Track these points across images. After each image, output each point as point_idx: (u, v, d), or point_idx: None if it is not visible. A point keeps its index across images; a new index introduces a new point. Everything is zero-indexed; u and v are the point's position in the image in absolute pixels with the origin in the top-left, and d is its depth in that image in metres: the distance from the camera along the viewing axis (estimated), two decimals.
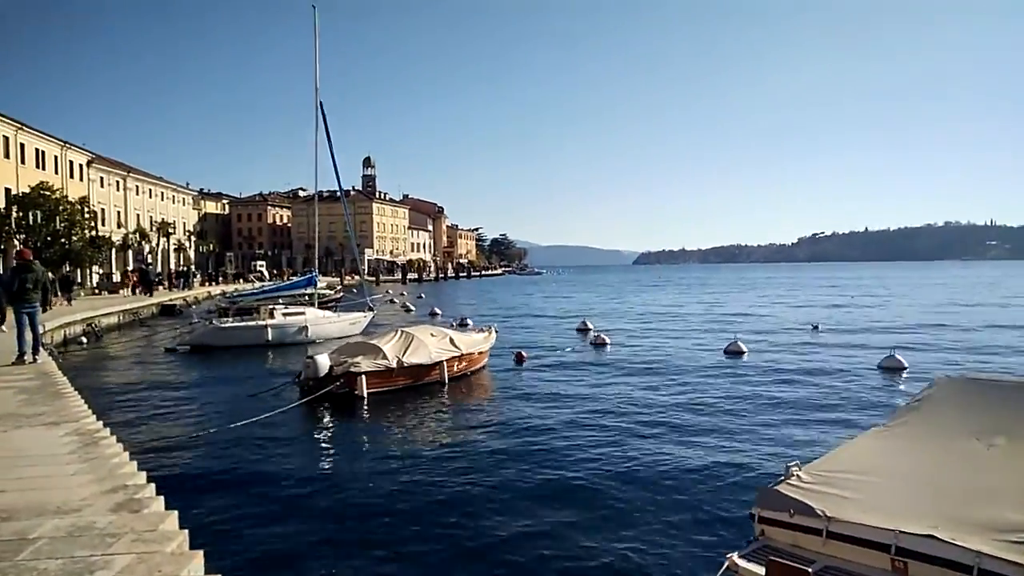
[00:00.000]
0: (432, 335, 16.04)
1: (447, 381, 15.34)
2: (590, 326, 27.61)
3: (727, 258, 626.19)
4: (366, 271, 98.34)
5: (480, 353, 17.37)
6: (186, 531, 4.19)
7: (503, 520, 7.64)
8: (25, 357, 11.93)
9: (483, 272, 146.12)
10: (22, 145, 48.80)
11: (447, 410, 13.62)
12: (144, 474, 5.42)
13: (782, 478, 5.18)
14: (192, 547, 4.14)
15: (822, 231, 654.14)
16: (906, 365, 16.74)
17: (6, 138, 46.78)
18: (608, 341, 22.82)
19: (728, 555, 4.83)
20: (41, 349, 12.78)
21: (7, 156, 46.78)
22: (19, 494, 4.92)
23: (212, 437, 10.59)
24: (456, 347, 16.02)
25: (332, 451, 10.52)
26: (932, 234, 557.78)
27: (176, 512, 4.52)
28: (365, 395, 13.62)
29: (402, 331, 15.62)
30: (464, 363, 16.39)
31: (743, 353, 20.06)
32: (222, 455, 9.86)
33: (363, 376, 13.75)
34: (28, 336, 12.18)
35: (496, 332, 18.92)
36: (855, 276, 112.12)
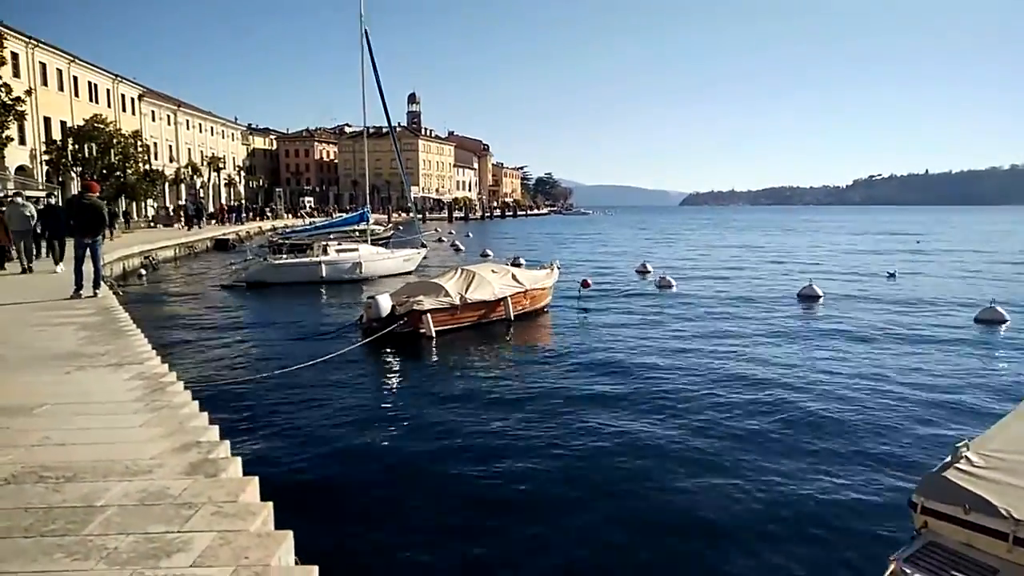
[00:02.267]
0: (494, 271, 15.42)
1: (513, 318, 14.77)
2: (651, 268, 26.59)
3: (778, 200, 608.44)
4: (412, 209, 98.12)
5: (543, 290, 16.70)
6: (270, 505, 3.61)
7: (583, 474, 7.06)
8: (82, 292, 11.65)
9: (528, 212, 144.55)
10: (75, 78, 48.90)
11: (514, 349, 13.07)
12: (216, 428, 4.87)
13: (948, 460, 4.33)
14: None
15: (879, 173, 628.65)
16: (1007, 318, 15.37)
17: (59, 71, 46.85)
18: (673, 283, 21.84)
19: (891, 558, 4.05)
20: (102, 283, 12.50)
21: (61, 88, 46.95)
22: (85, 448, 4.41)
23: (277, 380, 10.16)
24: (519, 283, 15.40)
25: (402, 395, 10.01)
26: (997, 177, 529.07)
27: (256, 479, 3.93)
28: (432, 333, 13.11)
29: (463, 269, 15.01)
30: (528, 300, 15.77)
31: (819, 297, 18.90)
32: (288, 399, 9.42)
33: (427, 314, 13.21)
34: (88, 268, 11.88)
35: (559, 268, 18.16)
36: (916, 220, 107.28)
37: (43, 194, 26.30)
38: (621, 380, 10.55)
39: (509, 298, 14.79)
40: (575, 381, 10.51)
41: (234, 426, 7.69)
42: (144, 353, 7.34)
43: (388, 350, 12.51)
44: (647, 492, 6.65)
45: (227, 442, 4.56)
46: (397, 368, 11.67)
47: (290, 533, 3.32)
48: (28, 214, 16.06)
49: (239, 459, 4.25)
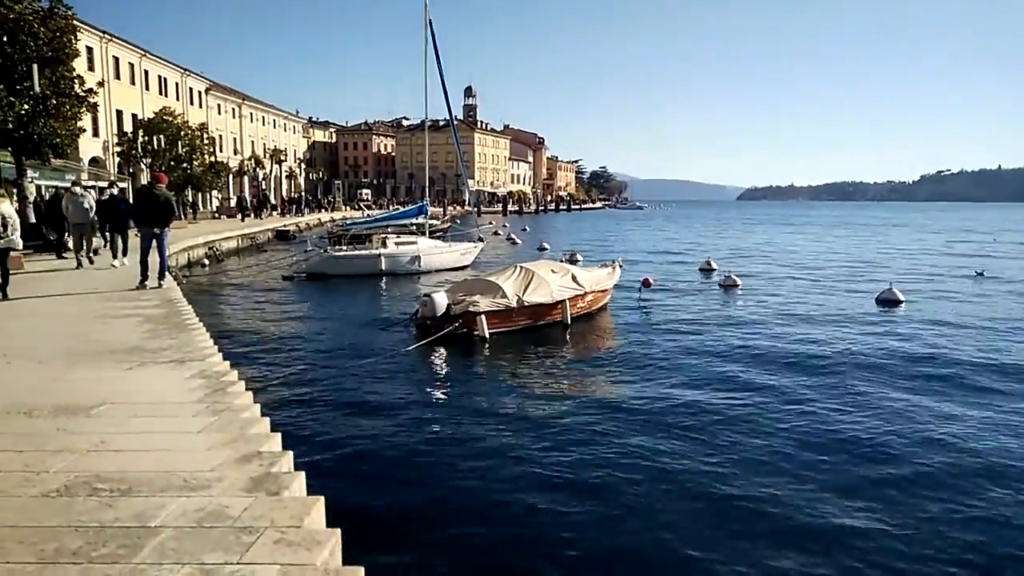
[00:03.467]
0: (553, 271, 14.87)
1: (570, 321, 14.23)
2: (714, 266, 25.64)
3: (840, 195, 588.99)
4: (467, 202, 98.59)
5: (604, 291, 16.12)
6: (338, 533, 3.24)
7: (645, 492, 6.60)
8: (147, 283, 11.67)
9: (583, 205, 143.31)
10: (146, 71, 50.40)
11: (573, 355, 12.56)
12: (279, 437, 4.56)
13: None
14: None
15: (947, 168, 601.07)
16: None
17: (131, 64, 48.35)
18: (739, 283, 20.92)
19: None
20: (167, 274, 12.54)
21: (132, 82, 48.46)
22: (142, 456, 4.15)
23: (332, 376, 9.98)
24: (579, 284, 14.82)
25: (450, 399, 9.64)
26: None
27: (322, 501, 3.58)
28: (486, 335, 12.72)
29: (521, 267, 14.53)
30: (588, 301, 15.21)
31: (900, 303, 17.76)
32: (344, 399, 9.21)
33: (482, 316, 12.82)
34: (153, 260, 11.91)
35: (621, 267, 17.53)
36: (989, 217, 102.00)
37: (105, 184, 25.79)
38: (684, 392, 9.85)
39: (568, 301, 14.23)
40: (636, 392, 9.88)
41: (289, 428, 7.42)
42: (206, 349, 7.15)
43: (441, 351, 12.17)
44: (709, 511, 6.22)
45: (290, 453, 4.23)
46: (449, 372, 11.28)
47: (361, 570, 2.95)
48: (87, 205, 15.46)
49: (303, 475, 3.92)
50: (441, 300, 12.87)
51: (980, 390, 10.07)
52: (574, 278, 14.88)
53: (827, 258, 33.47)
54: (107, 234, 16.54)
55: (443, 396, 9.89)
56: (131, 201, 16.47)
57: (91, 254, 15.45)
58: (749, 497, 6.40)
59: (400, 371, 10.87)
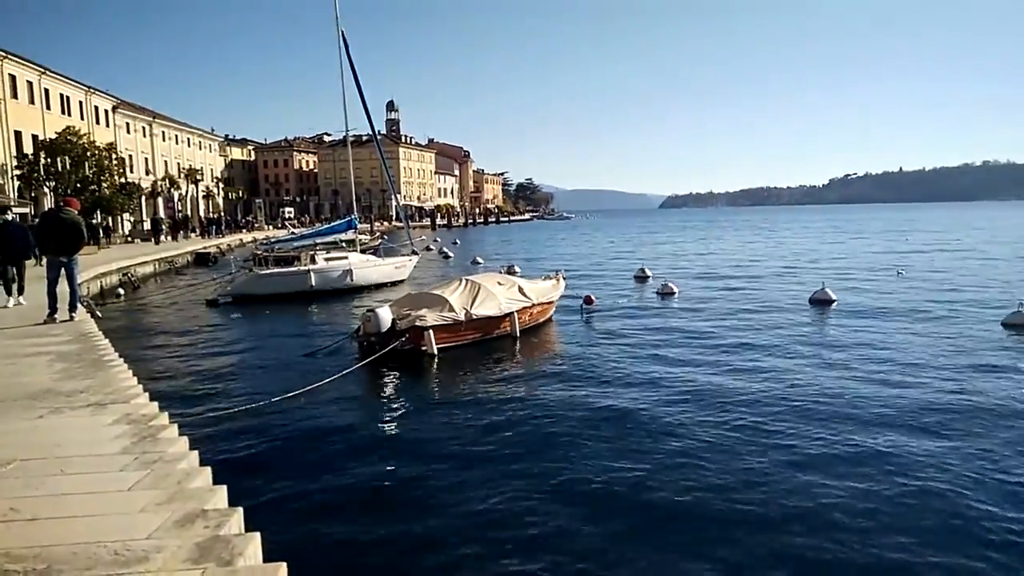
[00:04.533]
0: (500, 284, 14.57)
1: (519, 334, 13.94)
2: (649, 273, 25.87)
3: (757, 200, 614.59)
4: (394, 217, 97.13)
5: (550, 302, 15.93)
6: None
7: (598, 500, 6.57)
8: (56, 316, 10.66)
9: (511, 217, 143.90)
10: (46, 90, 47.42)
11: (523, 368, 12.25)
12: (224, 490, 4.00)
13: None
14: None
15: (854, 172, 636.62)
16: None
17: (30, 83, 45.39)
18: (675, 290, 21.10)
19: None
20: (79, 305, 11.51)
21: (32, 102, 45.49)
22: (62, 525, 3.53)
23: (274, 409, 9.24)
24: (526, 296, 14.57)
25: (407, 424, 9.10)
26: (970, 174, 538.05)
27: (284, 567, 3.10)
28: (435, 352, 12.25)
29: (467, 280, 14.15)
30: (535, 313, 14.98)
31: (832, 302, 18.26)
32: (291, 432, 8.51)
33: (430, 331, 12.35)
34: (62, 290, 10.90)
35: (564, 279, 17.36)
36: (896, 218, 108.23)
37: None
38: (634, 398, 9.85)
39: (516, 313, 13.96)
40: (589, 401, 9.76)
41: (232, 477, 6.73)
42: (130, 388, 6.43)
43: (388, 369, 11.64)
44: (656, 513, 6.27)
45: (239, 510, 3.69)
46: (400, 392, 10.76)
47: None
48: None
49: (257, 536, 3.39)
50: (386, 315, 12.31)
51: (916, 384, 10.32)
52: (521, 290, 14.63)
53: (755, 261, 34.43)
54: None
55: (396, 418, 9.37)
56: (33, 227, 14.68)
57: None
58: (695, 503, 6.44)
59: (348, 395, 10.25)
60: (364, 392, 10.67)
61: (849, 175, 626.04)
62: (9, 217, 14.69)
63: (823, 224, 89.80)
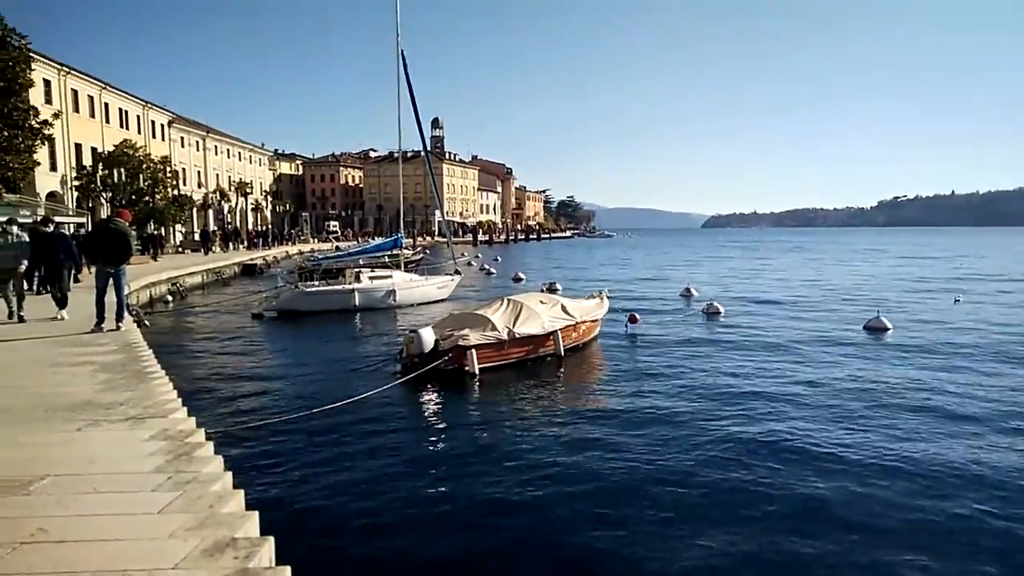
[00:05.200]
0: (542, 303, 14.32)
1: (564, 353, 13.66)
2: (695, 292, 25.32)
3: (802, 222, 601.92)
4: (436, 232, 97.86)
5: (595, 321, 15.61)
6: None
7: (642, 529, 6.25)
8: (103, 325, 10.78)
9: (552, 235, 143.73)
10: (106, 104, 49.15)
11: (567, 388, 11.97)
12: (256, 517, 3.82)
13: None
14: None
15: (904, 194, 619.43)
16: None
17: (91, 98, 47.10)
18: (721, 310, 20.56)
19: None
20: (126, 314, 11.64)
21: (92, 115, 47.17)
22: (89, 549, 3.38)
23: (311, 423, 9.12)
24: (570, 315, 14.27)
25: (449, 444, 8.87)
26: None
27: None
28: (477, 371, 12.04)
29: (510, 300, 13.95)
30: (580, 332, 14.68)
31: (887, 330, 17.50)
32: (323, 449, 8.34)
33: (473, 350, 12.15)
34: (110, 299, 11.03)
35: (608, 298, 17.02)
36: (949, 243, 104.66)
37: (32, 219, 21.12)
38: (681, 423, 9.52)
39: (559, 332, 13.68)
40: (633, 425, 9.47)
41: (266, 498, 6.58)
42: (168, 402, 6.35)
43: (430, 388, 11.45)
44: (709, 548, 5.91)
45: (271, 540, 3.49)
46: (442, 411, 10.57)
47: None
48: (12, 246, 11.96)
49: (288, 570, 3.19)
50: (428, 336, 12.17)
51: (971, 418, 9.78)
52: (564, 309, 14.35)
53: (805, 284, 33.40)
54: (41, 280, 13.42)
55: (437, 438, 9.15)
56: (81, 238, 14.78)
57: (20, 309, 12.05)
58: (755, 541, 6.04)
59: (388, 412, 10.08)
60: (405, 410, 10.49)
61: (898, 198, 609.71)
62: (50, 228, 14.31)
63: (874, 247, 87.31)
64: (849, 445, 8.56)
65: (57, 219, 31.27)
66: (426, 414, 10.49)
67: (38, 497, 4.07)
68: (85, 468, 4.55)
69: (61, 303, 12.49)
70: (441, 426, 9.76)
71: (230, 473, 4.53)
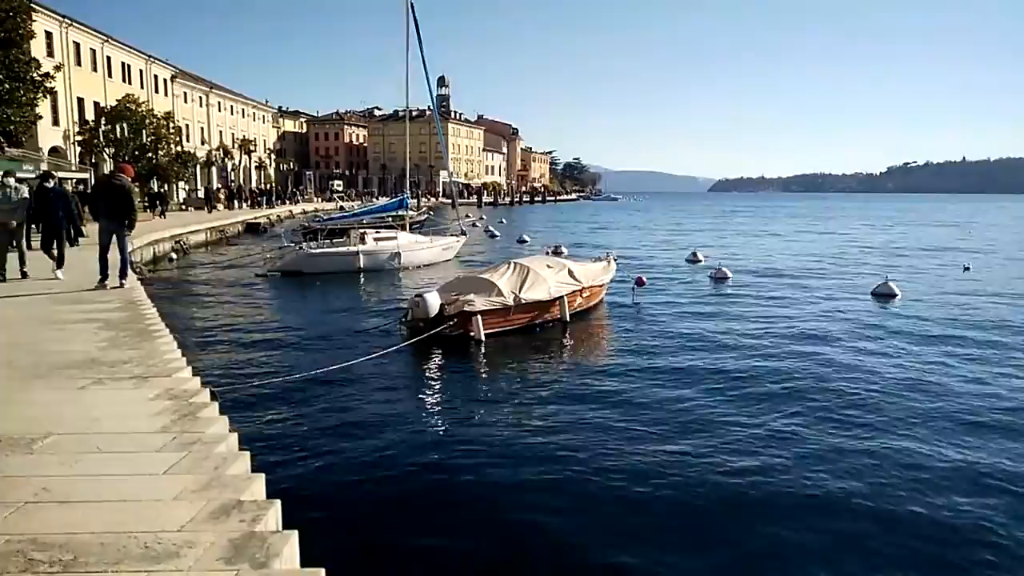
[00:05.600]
0: (549, 266, 14.16)
1: (569, 319, 13.56)
2: (701, 257, 25.15)
3: (810, 187, 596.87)
4: (441, 193, 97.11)
5: (601, 286, 15.47)
6: None
7: (649, 493, 6.26)
8: (106, 282, 10.69)
9: (558, 197, 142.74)
10: (108, 58, 48.44)
11: (573, 355, 11.93)
12: (262, 479, 3.77)
13: None
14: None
15: (914, 160, 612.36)
16: None
17: (93, 51, 46.40)
18: (729, 275, 20.42)
19: None
20: (130, 271, 11.55)
21: (95, 69, 46.54)
22: (93, 510, 3.33)
23: (315, 385, 9.05)
24: (576, 280, 14.12)
25: (453, 412, 8.78)
26: None
27: (323, 572, 2.84)
28: (482, 337, 11.96)
29: (516, 263, 13.79)
30: (585, 297, 14.55)
31: (895, 296, 17.37)
32: (333, 418, 8.19)
33: (478, 316, 12.06)
34: (113, 256, 10.93)
35: (616, 261, 16.86)
36: (959, 208, 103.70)
37: (31, 175, 20.67)
38: (692, 392, 9.41)
39: (565, 297, 13.56)
40: (641, 392, 9.37)
41: (270, 458, 6.52)
42: (173, 361, 6.29)
43: (435, 353, 11.37)
44: (711, 506, 6.07)
45: (277, 504, 3.44)
46: (446, 378, 10.47)
47: None
48: (10, 200, 11.51)
49: (295, 536, 3.13)
50: (434, 300, 12.05)
51: (981, 381, 9.79)
52: (571, 273, 14.18)
53: (811, 249, 33.19)
54: (43, 237, 12.62)
55: (441, 405, 9.10)
56: (84, 193, 14.37)
57: (22, 266, 11.85)
58: (758, 502, 6.14)
59: (392, 375, 10.05)
60: (409, 374, 10.44)
61: (908, 163, 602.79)
62: (50, 184, 13.28)
63: (883, 213, 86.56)
64: (864, 426, 8.34)
65: (60, 175, 31.13)
66: (430, 380, 10.42)
67: (41, 456, 4.02)
68: (89, 427, 4.50)
69: (59, 262, 12.12)
70: (445, 394, 9.67)
71: (236, 434, 4.48)
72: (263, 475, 3.83)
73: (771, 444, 7.38)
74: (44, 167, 34.82)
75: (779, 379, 9.95)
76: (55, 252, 12.31)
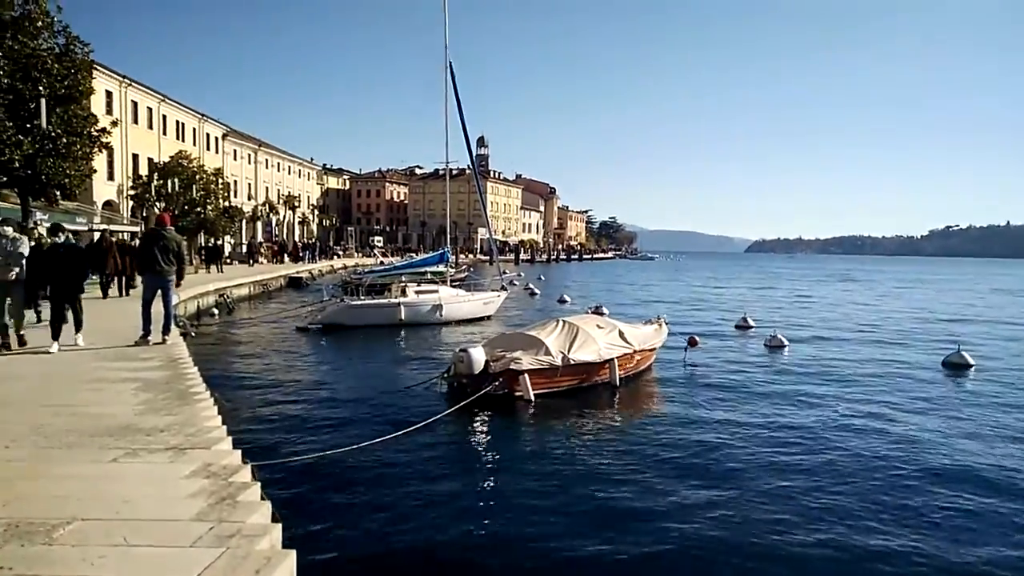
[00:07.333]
0: (599, 327, 13.56)
1: (619, 383, 12.85)
2: (752, 323, 24.14)
3: (849, 249, 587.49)
4: (479, 250, 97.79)
5: (652, 349, 14.76)
6: None
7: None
8: (150, 338, 10.40)
9: (594, 255, 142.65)
10: (164, 116, 50.35)
11: (624, 422, 11.16)
12: None
13: None
14: None
15: (956, 223, 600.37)
16: None
17: (150, 109, 48.29)
18: (785, 343, 19.43)
19: None
20: (173, 327, 11.28)
21: (150, 127, 48.31)
22: None
23: (361, 458, 8.41)
24: (627, 342, 13.47)
25: (503, 480, 8.16)
26: None
27: None
28: (531, 397, 11.35)
29: (564, 321, 13.24)
30: (636, 361, 13.85)
31: (970, 367, 16.25)
32: (373, 489, 7.61)
33: (526, 375, 11.47)
34: (157, 310, 10.67)
35: (667, 324, 16.14)
36: (1006, 273, 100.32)
37: (84, 227, 19.64)
38: (751, 469, 8.69)
39: (616, 360, 12.89)
40: (695, 465, 8.79)
41: (314, 550, 5.95)
42: (213, 430, 5.81)
43: (481, 415, 10.78)
44: None
45: None
46: (495, 443, 9.80)
47: None
48: (5, 250, 9.70)
49: None
50: (479, 356, 11.51)
51: None
52: (621, 335, 13.54)
53: (868, 316, 31.76)
54: (54, 301, 10.18)
55: (492, 474, 8.44)
56: (132, 246, 14.04)
57: (19, 330, 10.15)
58: None
59: (441, 443, 9.43)
60: (458, 442, 9.80)
61: (950, 227, 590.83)
62: (61, 239, 10.65)
63: (933, 278, 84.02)
64: (917, 488, 7.60)
65: (112, 227, 31.79)
66: (478, 447, 9.79)
67: (61, 548, 3.51)
68: (117, 511, 3.99)
69: (77, 326, 10.38)
70: (495, 464, 8.98)
71: (279, 526, 3.91)
72: None
73: (823, 524, 6.76)
74: (97, 220, 35.76)
75: (839, 453, 9.28)
76: (66, 315, 10.17)
